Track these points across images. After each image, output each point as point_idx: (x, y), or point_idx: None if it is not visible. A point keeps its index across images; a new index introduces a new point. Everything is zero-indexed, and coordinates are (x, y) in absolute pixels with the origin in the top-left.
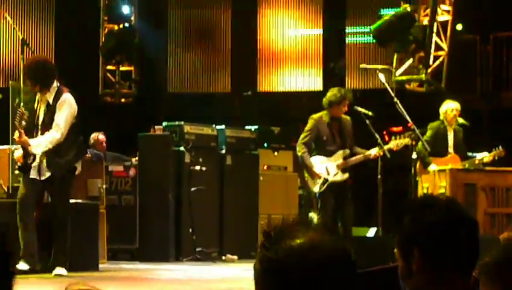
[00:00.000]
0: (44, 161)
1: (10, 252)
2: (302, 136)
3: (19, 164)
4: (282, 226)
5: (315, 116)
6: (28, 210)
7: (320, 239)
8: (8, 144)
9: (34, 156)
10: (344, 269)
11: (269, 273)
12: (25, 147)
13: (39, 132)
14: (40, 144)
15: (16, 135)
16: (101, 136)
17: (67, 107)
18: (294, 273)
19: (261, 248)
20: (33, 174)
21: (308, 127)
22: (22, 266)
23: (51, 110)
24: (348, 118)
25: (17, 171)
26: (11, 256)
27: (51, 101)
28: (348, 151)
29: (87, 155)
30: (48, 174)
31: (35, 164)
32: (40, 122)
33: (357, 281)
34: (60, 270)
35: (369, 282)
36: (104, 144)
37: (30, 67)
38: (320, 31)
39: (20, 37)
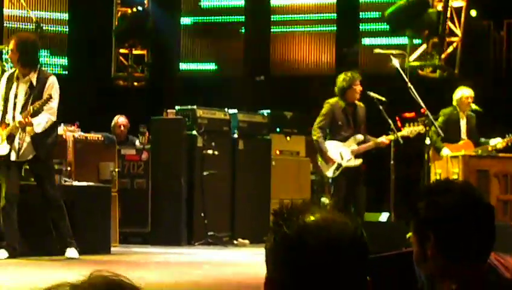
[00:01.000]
0: (27, 141)
1: None
2: (317, 120)
3: None
4: (294, 205)
5: (331, 100)
6: (13, 200)
7: (333, 218)
8: None
9: (13, 137)
10: (357, 248)
11: (281, 250)
12: (17, 129)
13: (14, 111)
14: (40, 123)
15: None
16: (121, 119)
17: (56, 91)
18: (306, 249)
19: (272, 226)
20: (13, 157)
21: (323, 111)
22: (2, 254)
23: (34, 92)
24: (362, 105)
25: None
26: None
27: (34, 82)
28: (361, 137)
29: (100, 138)
30: (31, 155)
31: (15, 145)
32: (18, 101)
33: (369, 260)
34: (71, 252)
35: (383, 267)
36: (123, 128)
37: (25, 42)
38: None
39: (34, 20)
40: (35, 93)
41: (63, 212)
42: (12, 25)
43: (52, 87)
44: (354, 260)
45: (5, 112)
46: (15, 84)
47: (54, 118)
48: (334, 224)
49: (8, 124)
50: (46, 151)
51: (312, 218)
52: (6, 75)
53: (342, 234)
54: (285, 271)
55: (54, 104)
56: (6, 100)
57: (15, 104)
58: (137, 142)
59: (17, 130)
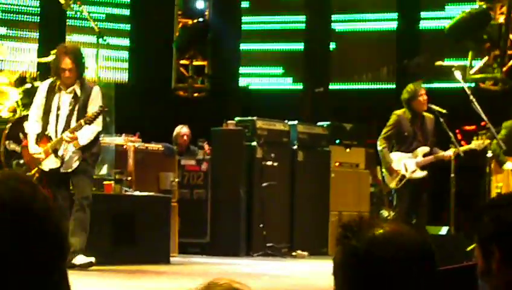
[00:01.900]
0: (71, 150)
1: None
2: (383, 130)
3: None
4: (361, 219)
5: (398, 112)
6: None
7: (402, 231)
8: None
9: (57, 150)
10: (425, 260)
11: (350, 263)
12: (62, 143)
13: (57, 124)
14: (85, 135)
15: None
16: (184, 130)
17: (101, 100)
18: (376, 262)
19: (341, 239)
20: (54, 165)
21: (390, 122)
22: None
23: (79, 102)
24: (431, 116)
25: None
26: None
27: (78, 92)
28: (427, 149)
29: (160, 148)
30: (75, 165)
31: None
32: (60, 113)
33: (437, 274)
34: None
35: (446, 280)
36: (186, 138)
37: (78, 52)
38: (394, 25)
39: (96, 30)
40: (80, 104)
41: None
42: (75, 35)
43: (98, 97)
44: (423, 272)
45: (46, 123)
46: (57, 95)
47: (100, 128)
48: (402, 237)
49: (50, 137)
50: (91, 160)
51: (381, 231)
52: (45, 85)
53: (411, 247)
54: (354, 284)
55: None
56: (48, 112)
57: (57, 116)
58: (199, 154)
59: (62, 144)
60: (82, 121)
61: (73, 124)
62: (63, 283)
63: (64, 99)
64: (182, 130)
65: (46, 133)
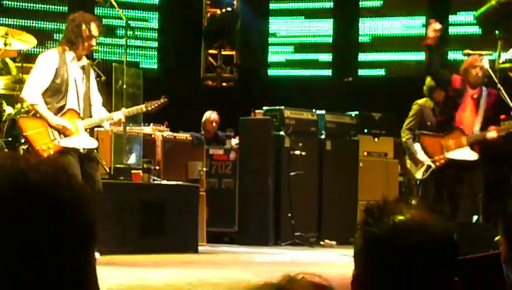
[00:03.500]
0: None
1: (93, 222)
2: (406, 121)
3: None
4: (385, 203)
5: (420, 101)
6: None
7: (424, 218)
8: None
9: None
10: (446, 249)
11: (370, 249)
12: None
13: (80, 101)
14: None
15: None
16: (213, 116)
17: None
18: (395, 250)
19: (363, 224)
20: (91, 145)
21: (412, 112)
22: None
23: (87, 77)
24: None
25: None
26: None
27: (86, 64)
28: None
29: (188, 137)
30: (95, 144)
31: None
32: (80, 89)
33: (458, 262)
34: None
35: (472, 269)
36: (214, 124)
37: (97, 20)
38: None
39: (125, 20)
40: (87, 78)
41: None
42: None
43: (93, 73)
44: (443, 260)
45: (61, 99)
46: (69, 67)
47: None
48: (424, 225)
49: (76, 112)
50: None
51: (402, 218)
52: (55, 55)
53: (432, 235)
54: (373, 270)
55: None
56: (64, 86)
57: (77, 91)
58: (227, 143)
59: (108, 123)
60: (144, 106)
61: (94, 101)
62: (91, 271)
63: (78, 73)
64: (212, 115)
65: (69, 108)
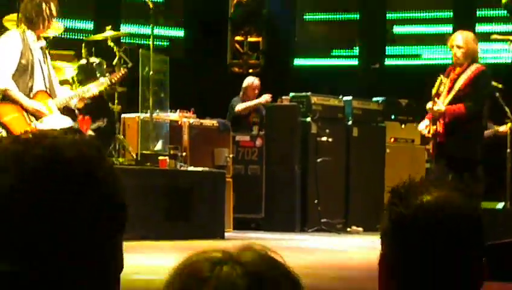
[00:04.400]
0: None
1: (124, 204)
2: None
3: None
4: (411, 184)
5: None
6: None
7: (451, 197)
8: (138, 112)
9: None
10: (472, 229)
11: (396, 229)
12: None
13: (46, 80)
14: None
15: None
16: (256, 82)
17: None
18: (421, 229)
19: (389, 204)
20: (67, 123)
21: None
22: None
23: (46, 57)
24: None
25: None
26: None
27: (44, 44)
28: None
29: (215, 124)
30: (70, 122)
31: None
32: (44, 67)
33: (487, 246)
34: None
35: (500, 254)
36: (257, 91)
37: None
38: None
39: (151, 6)
40: (46, 58)
41: None
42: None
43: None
44: (469, 240)
45: (29, 79)
46: (32, 46)
47: None
48: (450, 204)
49: (46, 92)
50: None
51: (429, 198)
52: (17, 36)
53: (458, 215)
54: (399, 249)
55: None
56: (30, 67)
57: (42, 70)
58: (254, 129)
59: (75, 100)
60: (108, 79)
61: (53, 79)
62: (118, 255)
63: (39, 52)
64: (255, 82)
65: (37, 89)
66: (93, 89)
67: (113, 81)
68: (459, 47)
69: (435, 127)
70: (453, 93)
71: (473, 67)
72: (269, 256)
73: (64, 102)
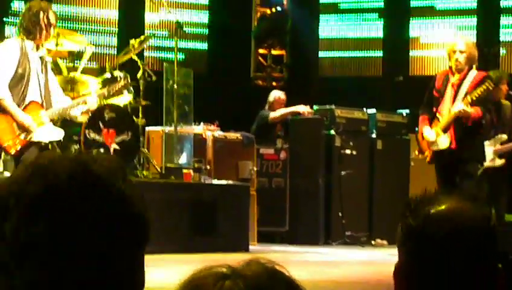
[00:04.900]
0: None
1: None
2: None
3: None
4: (423, 196)
5: None
6: None
7: (461, 208)
8: (162, 125)
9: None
10: (484, 238)
11: (408, 240)
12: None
13: (42, 91)
14: None
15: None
16: (283, 96)
17: None
18: (430, 240)
19: (401, 216)
20: (57, 136)
21: None
22: None
23: (45, 67)
24: (509, 103)
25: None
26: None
27: (45, 53)
28: (505, 136)
29: (239, 137)
30: (61, 135)
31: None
32: (40, 78)
33: (496, 249)
34: None
35: None
36: (283, 106)
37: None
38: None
39: (175, 20)
40: (45, 68)
41: None
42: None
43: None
44: (480, 249)
45: (24, 90)
46: (30, 56)
47: None
48: (460, 215)
49: (39, 104)
50: None
51: (438, 208)
52: (16, 45)
53: (468, 225)
54: (411, 261)
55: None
56: (26, 77)
57: (39, 81)
58: (278, 142)
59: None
60: (106, 90)
61: (54, 91)
62: (139, 271)
63: (38, 62)
64: (281, 96)
65: (32, 100)
66: (90, 100)
67: (111, 92)
68: (461, 52)
69: (435, 147)
70: (461, 97)
71: (475, 72)
72: (274, 269)
73: (57, 113)
